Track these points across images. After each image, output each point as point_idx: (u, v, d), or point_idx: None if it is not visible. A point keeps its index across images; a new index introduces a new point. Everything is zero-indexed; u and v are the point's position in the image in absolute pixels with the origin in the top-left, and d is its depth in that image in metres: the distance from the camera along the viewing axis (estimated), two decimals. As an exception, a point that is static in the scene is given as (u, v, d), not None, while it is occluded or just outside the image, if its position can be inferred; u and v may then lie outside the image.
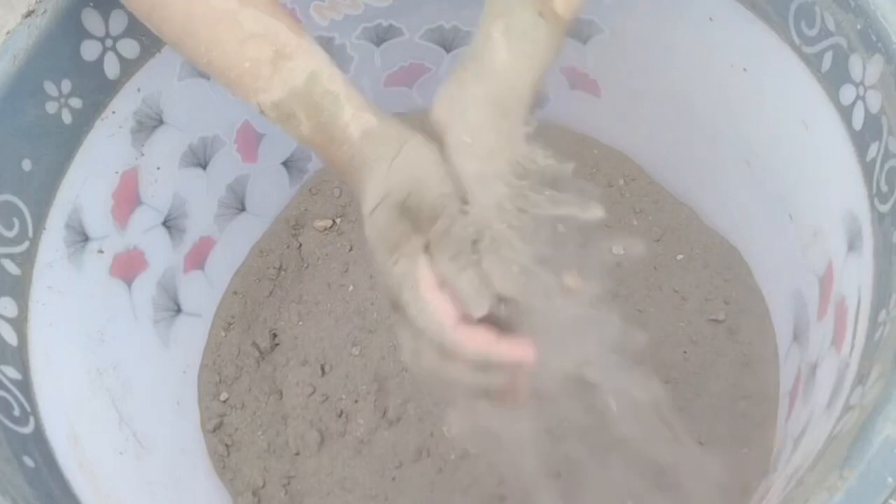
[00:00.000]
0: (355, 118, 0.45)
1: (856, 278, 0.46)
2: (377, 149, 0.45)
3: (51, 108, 0.51)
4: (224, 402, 0.65)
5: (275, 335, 0.68)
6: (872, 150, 0.46)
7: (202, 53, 0.45)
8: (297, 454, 0.63)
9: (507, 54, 0.46)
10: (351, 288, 0.68)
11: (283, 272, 0.71)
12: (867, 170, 0.46)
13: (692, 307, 0.65)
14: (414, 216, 0.45)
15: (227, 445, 0.64)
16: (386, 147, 0.45)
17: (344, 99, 0.45)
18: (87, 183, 0.53)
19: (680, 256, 0.67)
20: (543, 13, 0.46)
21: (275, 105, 0.45)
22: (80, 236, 0.53)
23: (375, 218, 0.45)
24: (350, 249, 0.70)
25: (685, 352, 0.63)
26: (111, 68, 0.54)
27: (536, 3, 0.46)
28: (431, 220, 0.45)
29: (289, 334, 0.68)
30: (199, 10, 0.44)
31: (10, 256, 0.48)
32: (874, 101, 0.45)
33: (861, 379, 0.41)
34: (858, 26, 0.46)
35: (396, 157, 0.45)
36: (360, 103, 0.46)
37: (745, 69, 0.57)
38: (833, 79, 0.48)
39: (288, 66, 0.45)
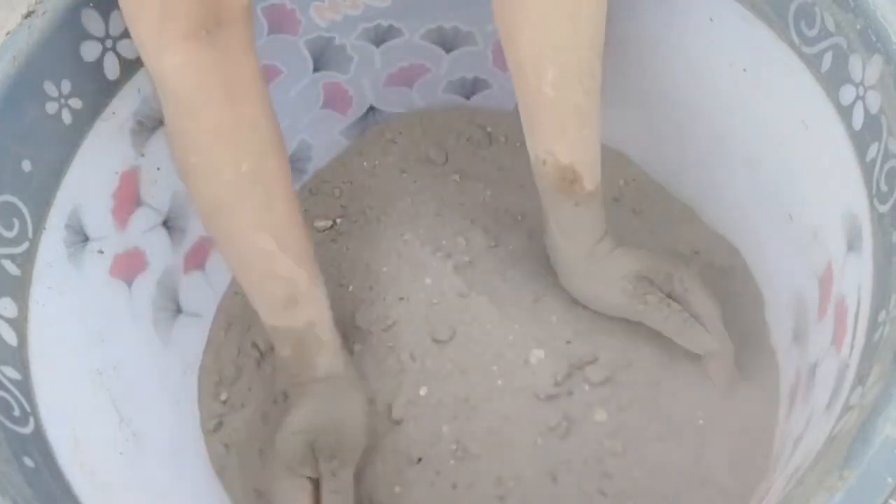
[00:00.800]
0: (329, 363, 0.57)
1: (855, 278, 0.46)
2: (325, 389, 0.57)
3: (51, 108, 0.51)
4: (224, 402, 0.65)
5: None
6: (872, 150, 0.46)
7: (234, 267, 0.55)
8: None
9: (565, 243, 0.61)
10: (351, 288, 0.68)
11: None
12: (867, 170, 0.46)
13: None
14: (319, 451, 0.55)
15: (226, 445, 0.64)
16: (331, 391, 0.57)
17: (326, 347, 0.57)
18: (87, 183, 0.53)
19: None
20: (579, 202, 0.58)
21: (274, 328, 0.56)
22: (80, 237, 0.53)
23: (291, 440, 0.56)
24: (348, 250, 0.70)
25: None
26: (111, 69, 0.54)
27: (572, 197, 0.57)
28: (328, 459, 0.55)
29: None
30: (244, 242, 0.53)
31: (10, 257, 0.48)
32: (874, 101, 0.45)
33: (861, 379, 0.41)
34: (858, 26, 0.46)
35: (332, 399, 0.57)
36: (336, 351, 0.57)
37: (744, 69, 0.57)
38: (833, 79, 0.48)
39: (295, 311, 0.55)
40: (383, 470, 0.60)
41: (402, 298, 0.65)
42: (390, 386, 0.63)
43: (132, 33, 0.47)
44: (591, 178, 0.57)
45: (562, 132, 0.55)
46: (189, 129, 0.49)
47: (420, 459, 0.60)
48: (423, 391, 0.62)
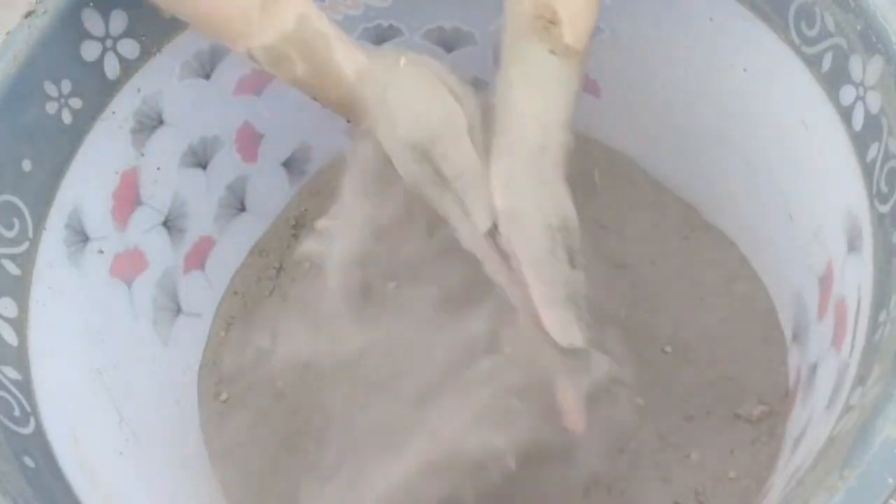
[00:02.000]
0: (347, 57, 0.47)
1: (856, 279, 0.46)
2: (371, 86, 0.46)
3: (51, 108, 0.51)
4: (224, 402, 0.65)
5: (275, 335, 0.68)
6: (872, 150, 0.46)
7: (189, 2, 0.46)
8: (298, 455, 0.63)
9: (531, 102, 0.46)
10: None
11: (283, 272, 0.70)
12: (867, 170, 0.46)
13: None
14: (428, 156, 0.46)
15: (226, 445, 0.64)
16: (378, 85, 0.46)
17: (334, 39, 0.46)
18: (87, 183, 0.53)
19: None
20: (555, 50, 0.46)
21: (267, 49, 0.46)
22: (80, 236, 0.53)
23: (395, 155, 0.46)
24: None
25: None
26: (111, 68, 0.54)
27: (546, 42, 0.46)
28: (443, 155, 0.45)
29: (289, 336, 0.68)
30: None
31: (10, 257, 0.48)
32: (874, 101, 0.45)
33: (861, 379, 0.41)
34: (858, 27, 0.46)
35: (391, 91, 0.46)
36: (349, 42, 0.47)
37: (744, 69, 0.57)
38: (833, 79, 0.48)
39: (276, 10, 0.45)
40: None
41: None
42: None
43: None
44: (573, 30, 0.47)
45: None
46: None
47: None
48: None
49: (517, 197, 0.45)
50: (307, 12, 0.46)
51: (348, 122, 0.50)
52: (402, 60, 0.47)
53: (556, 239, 0.45)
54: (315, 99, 0.49)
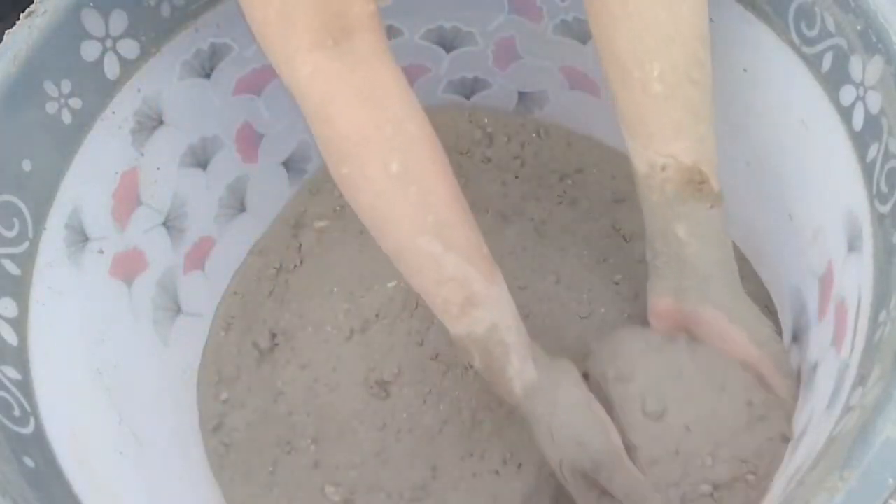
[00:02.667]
0: (519, 373, 0.51)
1: (856, 279, 0.46)
2: (536, 408, 0.52)
3: (51, 108, 0.51)
4: (224, 402, 0.65)
5: (274, 335, 0.68)
6: (872, 150, 0.46)
7: (406, 276, 0.50)
8: (297, 454, 0.63)
9: (703, 250, 0.53)
10: (351, 288, 0.69)
11: (283, 272, 0.70)
12: (867, 170, 0.46)
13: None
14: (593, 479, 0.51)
15: (226, 445, 0.64)
16: (543, 408, 0.52)
17: (513, 351, 0.51)
18: (87, 183, 0.53)
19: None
20: (714, 204, 0.52)
21: (457, 337, 0.51)
22: (80, 236, 0.53)
23: (565, 481, 0.52)
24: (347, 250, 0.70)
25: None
26: (111, 68, 0.54)
27: (704, 200, 0.52)
28: (609, 479, 0.50)
29: (289, 335, 0.68)
30: (409, 248, 0.49)
31: (11, 257, 0.48)
32: (874, 101, 0.45)
33: (861, 380, 0.41)
34: (858, 27, 0.46)
35: (552, 419, 0.51)
36: (525, 355, 0.52)
37: (744, 69, 0.57)
38: (833, 79, 0.48)
39: (473, 314, 0.50)
40: None
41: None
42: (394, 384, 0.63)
43: (261, 45, 0.46)
44: (715, 178, 0.52)
45: (678, 131, 0.50)
46: (330, 138, 0.47)
47: None
48: None
49: (744, 319, 0.53)
50: (498, 323, 0.50)
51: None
52: (563, 381, 0.53)
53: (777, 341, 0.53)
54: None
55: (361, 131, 0.46)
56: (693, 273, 0.53)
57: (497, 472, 0.60)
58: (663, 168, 0.51)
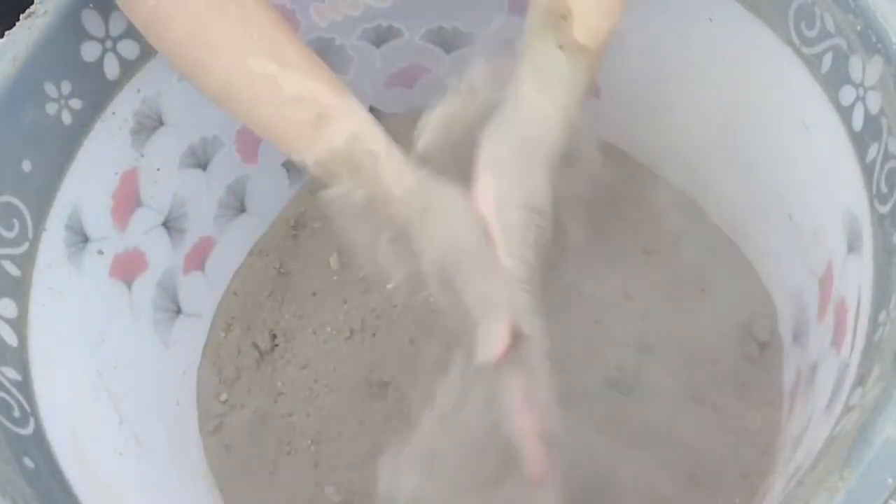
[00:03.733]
0: (395, 177, 0.47)
1: (856, 279, 0.46)
2: (412, 207, 0.47)
3: (51, 109, 0.51)
4: (224, 402, 0.65)
5: (274, 336, 0.68)
6: (872, 150, 0.46)
7: (243, 113, 0.47)
8: (297, 454, 0.63)
9: (534, 94, 0.46)
10: (351, 288, 0.69)
11: (283, 272, 0.70)
12: (867, 171, 0.46)
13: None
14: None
15: (226, 446, 0.64)
16: (419, 204, 0.47)
17: (384, 158, 0.47)
18: (87, 184, 0.53)
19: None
20: (564, 46, 0.46)
21: (317, 163, 0.47)
22: (79, 237, 0.53)
23: (430, 286, 0.47)
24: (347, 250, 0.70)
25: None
26: (111, 69, 0.54)
27: (556, 38, 0.46)
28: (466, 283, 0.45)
29: (289, 335, 0.68)
30: (240, 75, 0.45)
31: (10, 257, 0.48)
32: (874, 102, 0.45)
33: (861, 380, 0.41)
34: (858, 27, 0.46)
35: (426, 215, 0.46)
36: (399, 161, 0.47)
37: (744, 69, 0.57)
38: (833, 80, 0.48)
39: (328, 128, 0.46)
40: None
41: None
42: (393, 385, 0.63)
43: None
44: (584, 28, 0.46)
45: None
46: None
47: None
48: None
49: (501, 176, 0.46)
50: (360, 131, 0.46)
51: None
52: (444, 193, 0.47)
53: (531, 219, 0.45)
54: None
55: None
56: (511, 112, 0.46)
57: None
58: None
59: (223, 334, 0.67)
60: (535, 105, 0.46)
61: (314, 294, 0.69)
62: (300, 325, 0.68)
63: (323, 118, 0.46)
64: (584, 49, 0.46)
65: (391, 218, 0.48)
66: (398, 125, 0.74)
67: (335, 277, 0.69)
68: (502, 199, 0.45)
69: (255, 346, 0.67)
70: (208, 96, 0.47)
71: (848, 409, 0.40)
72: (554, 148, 0.46)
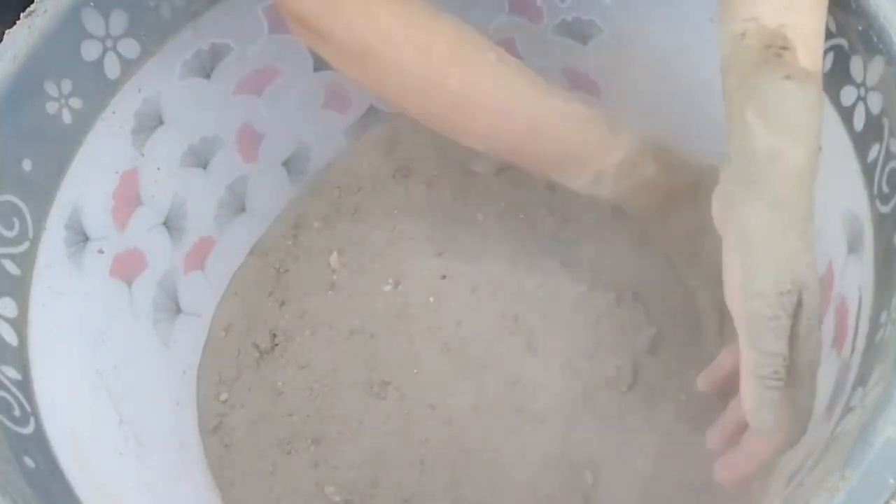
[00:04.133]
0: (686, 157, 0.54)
1: (856, 280, 0.46)
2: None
3: (51, 108, 0.51)
4: (224, 402, 0.65)
5: (275, 335, 0.68)
6: (873, 151, 0.46)
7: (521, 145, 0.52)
8: (297, 454, 0.63)
9: (773, 138, 0.40)
10: (351, 288, 0.68)
11: (283, 272, 0.70)
12: (868, 171, 0.46)
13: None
14: None
15: (226, 446, 0.64)
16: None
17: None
18: (87, 183, 0.53)
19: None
20: (791, 76, 0.41)
21: (621, 162, 0.52)
22: (80, 236, 0.53)
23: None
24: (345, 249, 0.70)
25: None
26: (111, 68, 0.54)
27: (780, 72, 0.41)
28: None
29: (289, 335, 0.68)
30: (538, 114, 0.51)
31: (11, 256, 0.48)
32: (875, 102, 0.45)
33: (862, 380, 0.41)
34: (859, 27, 0.46)
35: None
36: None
37: (745, 70, 0.57)
38: (834, 80, 0.48)
39: (620, 131, 0.52)
40: None
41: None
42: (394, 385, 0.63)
43: None
44: (807, 52, 0.41)
45: None
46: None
47: None
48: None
49: (750, 254, 0.39)
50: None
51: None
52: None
53: (783, 305, 0.38)
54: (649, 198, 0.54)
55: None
56: (748, 167, 0.40)
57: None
58: (743, 35, 0.42)
59: (223, 334, 0.67)
60: (779, 151, 0.40)
61: (314, 294, 0.69)
62: (300, 325, 0.68)
63: (609, 126, 0.52)
64: (811, 74, 0.41)
65: (695, 184, 0.53)
66: (398, 124, 0.75)
67: (335, 277, 0.69)
68: (750, 287, 0.39)
69: (255, 346, 0.67)
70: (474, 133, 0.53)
71: (849, 409, 0.40)
72: (811, 200, 0.40)
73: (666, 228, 0.55)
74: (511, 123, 0.51)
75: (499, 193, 0.71)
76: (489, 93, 0.51)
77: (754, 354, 0.38)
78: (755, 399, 0.38)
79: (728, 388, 0.45)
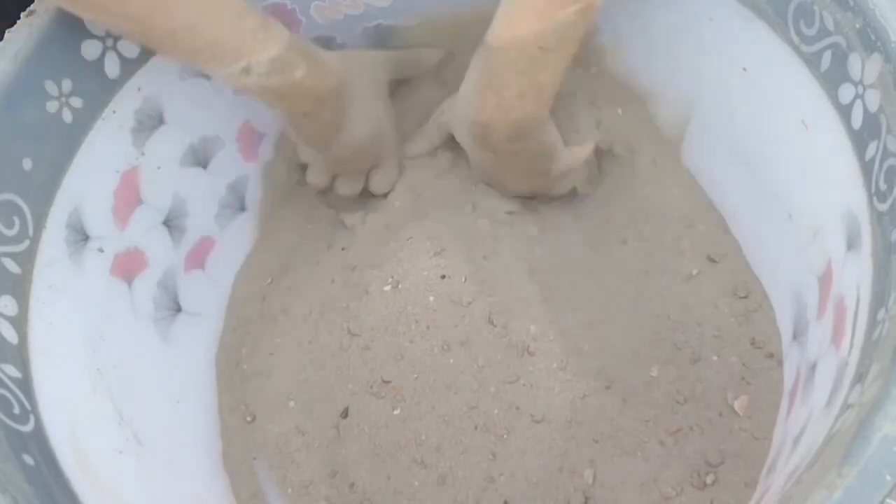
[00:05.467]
0: (325, 53, 0.58)
1: (855, 277, 0.46)
2: (356, 73, 0.62)
3: (51, 107, 0.51)
4: (225, 402, 0.65)
5: (274, 335, 0.68)
6: (871, 148, 0.46)
7: (177, 32, 0.51)
8: (297, 454, 0.63)
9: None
10: (351, 288, 0.68)
11: (283, 272, 0.71)
12: (866, 169, 0.46)
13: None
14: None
15: (227, 446, 0.64)
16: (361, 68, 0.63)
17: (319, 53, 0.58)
18: (87, 182, 0.53)
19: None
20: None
21: (273, 59, 0.53)
22: (80, 235, 0.54)
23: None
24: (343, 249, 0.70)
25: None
26: (112, 67, 0.54)
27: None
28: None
29: (289, 335, 0.68)
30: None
31: (11, 255, 0.48)
32: (873, 99, 0.45)
33: (860, 377, 0.41)
34: (857, 25, 0.46)
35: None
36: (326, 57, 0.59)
37: (744, 69, 0.57)
38: (832, 78, 0.48)
39: (274, 27, 0.54)
40: None
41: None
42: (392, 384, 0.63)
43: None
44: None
45: None
46: None
47: None
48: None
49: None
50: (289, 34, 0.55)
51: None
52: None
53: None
54: (290, 110, 0.58)
55: None
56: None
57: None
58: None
59: (223, 333, 0.68)
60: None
61: (314, 294, 0.69)
62: (300, 325, 0.68)
63: (266, 22, 0.53)
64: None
65: (335, 89, 0.59)
66: (398, 122, 0.75)
67: (335, 277, 0.69)
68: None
69: (255, 345, 0.67)
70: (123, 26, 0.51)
71: (847, 406, 0.40)
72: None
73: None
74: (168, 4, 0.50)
75: (499, 194, 0.72)
76: None
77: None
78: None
79: None
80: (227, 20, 0.51)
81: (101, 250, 0.55)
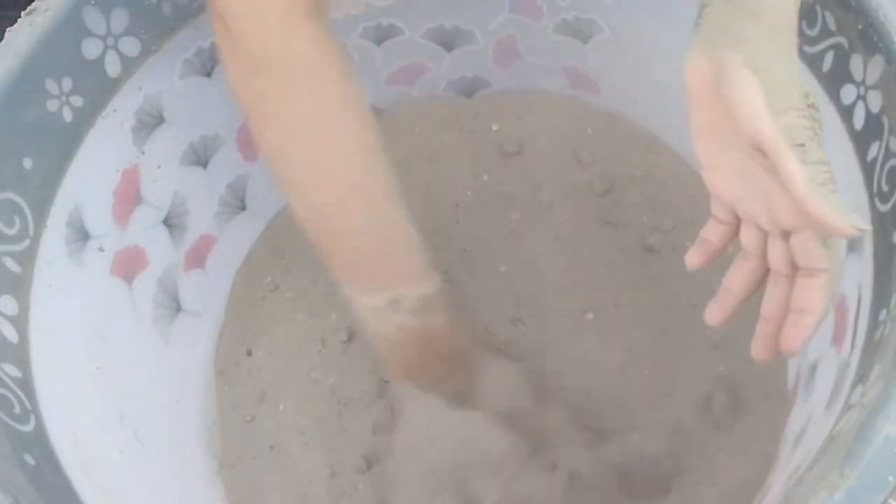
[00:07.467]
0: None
1: (856, 278, 0.46)
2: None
3: (52, 106, 0.51)
4: (224, 400, 0.65)
5: (274, 335, 0.68)
6: (873, 149, 0.46)
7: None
8: (296, 454, 0.63)
9: None
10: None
11: (282, 272, 0.71)
12: (868, 170, 0.46)
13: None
14: None
15: (226, 445, 0.64)
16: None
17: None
18: (87, 181, 0.53)
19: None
20: None
21: (423, 297, 0.53)
22: (80, 234, 0.53)
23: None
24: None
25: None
26: (112, 66, 0.54)
27: None
28: None
29: (288, 334, 0.68)
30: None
31: (11, 254, 0.48)
32: (875, 100, 0.45)
33: (861, 378, 0.41)
34: (859, 26, 0.46)
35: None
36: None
37: (745, 69, 0.57)
38: (834, 79, 0.48)
39: (433, 271, 0.53)
40: None
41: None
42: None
43: (238, 22, 0.46)
44: None
45: None
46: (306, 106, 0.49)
47: None
48: None
49: (769, 73, 0.38)
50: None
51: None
52: None
53: (813, 114, 0.39)
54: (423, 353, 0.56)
55: (346, 101, 0.49)
56: (736, 18, 0.39)
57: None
58: None
59: (223, 332, 0.67)
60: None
61: (314, 294, 0.69)
62: (300, 325, 0.68)
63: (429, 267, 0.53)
64: None
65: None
66: (398, 123, 0.75)
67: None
68: (776, 105, 0.38)
69: (255, 344, 0.67)
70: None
71: (848, 407, 0.40)
72: (794, 21, 0.40)
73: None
74: (348, 221, 0.51)
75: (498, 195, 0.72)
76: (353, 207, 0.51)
77: (807, 168, 0.37)
78: (827, 208, 0.37)
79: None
80: (401, 248, 0.52)
81: (101, 249, 0.55)
